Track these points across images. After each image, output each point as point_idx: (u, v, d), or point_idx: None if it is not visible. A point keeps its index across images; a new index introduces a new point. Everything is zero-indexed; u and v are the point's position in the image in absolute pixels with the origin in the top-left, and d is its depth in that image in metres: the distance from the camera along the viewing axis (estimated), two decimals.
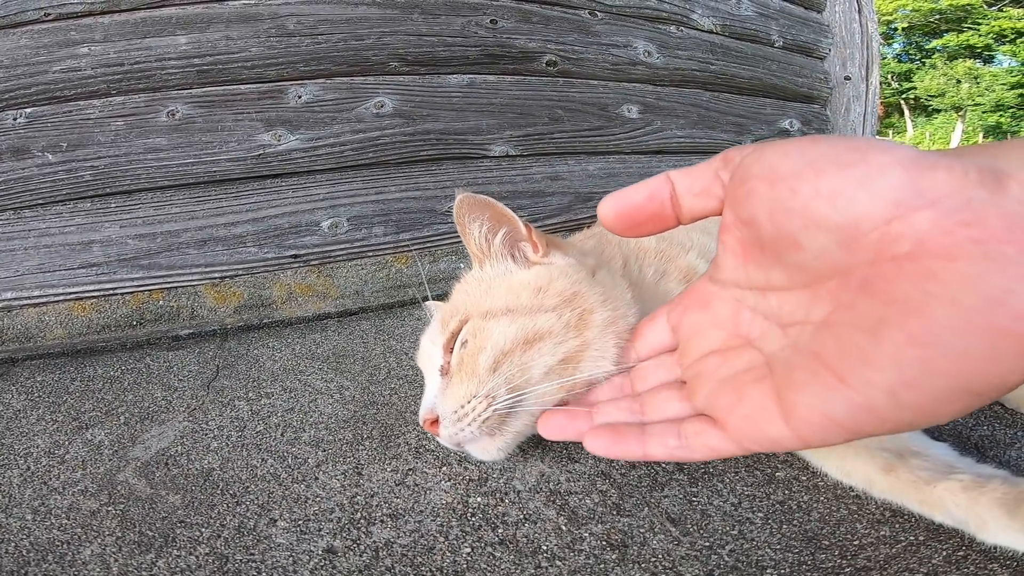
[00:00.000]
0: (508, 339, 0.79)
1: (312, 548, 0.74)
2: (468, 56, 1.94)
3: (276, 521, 0.80)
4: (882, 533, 0.69)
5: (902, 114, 28.55)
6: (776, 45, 2.65)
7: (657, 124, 2.27)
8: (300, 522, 0.79)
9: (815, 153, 0.41)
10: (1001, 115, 25.14)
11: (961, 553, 0.65)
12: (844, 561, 0.65)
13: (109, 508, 0.85)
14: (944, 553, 0.65)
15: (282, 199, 1.77)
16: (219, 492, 0.88)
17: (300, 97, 1.77)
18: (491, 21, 1.96)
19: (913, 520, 0.70)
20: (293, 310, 1.77)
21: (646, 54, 2.25)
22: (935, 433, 0.81)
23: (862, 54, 2.87)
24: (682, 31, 2.37)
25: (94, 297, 1.66)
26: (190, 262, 1.70)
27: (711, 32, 2.46)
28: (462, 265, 1.93)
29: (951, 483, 0.66)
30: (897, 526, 0.70)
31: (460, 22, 1.93)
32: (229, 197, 1.73)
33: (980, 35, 24.33)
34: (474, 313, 0.83)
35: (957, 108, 26.09)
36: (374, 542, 0.74)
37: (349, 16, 1.81)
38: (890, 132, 27.14)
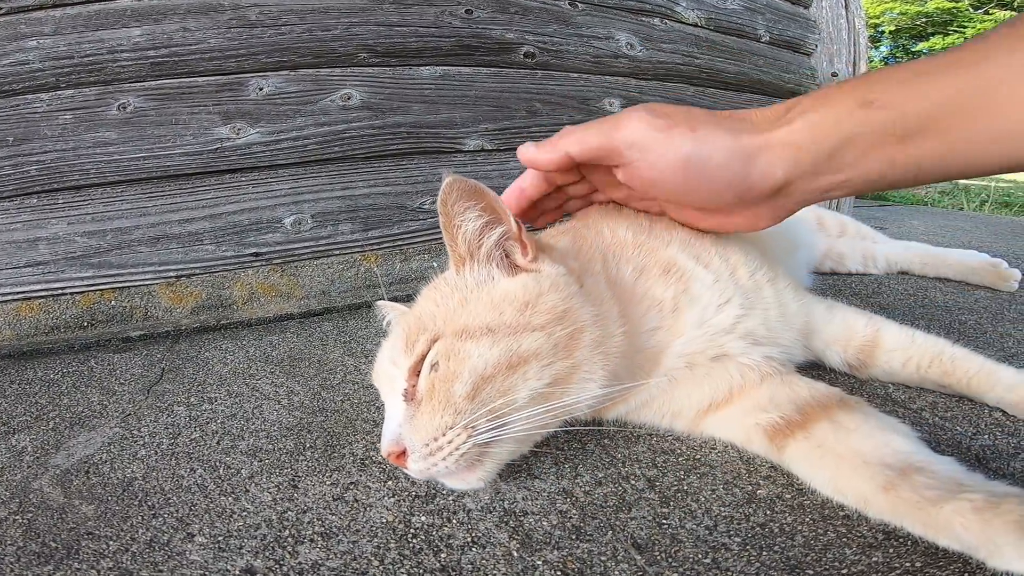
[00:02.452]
0: (489, 364, 0.70)
1: (228, 567, 0.65)
2: (441, 47, 1.86)
3: (193, 536, 0.71)
4: (874, 559, 0.60)
5: None
6: (762, 40, 2.59)
7: None
8: (220, 538, 0.71)
9: None
10: None
11: None
12: None
13: (16, 517, 0.78)
14: None
15: (241, 195, 1.68)
16: (136, 503, 0.79)
17: (262, 89, 1.68)
18: (466, 11, 1.88)
19: (909, 544, 0.62)
20: (255, 311, 1.68)
21: (629, 47, 2.18)
22: (934, 444, 0.73)
23: (849, 50, 2.82)
24: (666, 24, 2.29)
25: (41, 297, 1.57)
26: (143, 260, 1.61)
27: (696, 25, 2.39)
28: (435, 264, 1.85)
29: (960, 503, 0.58)
30: (891, 551, 0.62)
31: (433, 12, 1.84)
32: (184, 193, 1.64)
33: (966, 38, 24.54)
34: (447, 330, 0.74)
35: None
36: (299, 563, 0.65)
37: (315, 6, 1.73)
38: None
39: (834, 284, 1.68)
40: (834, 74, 2.75)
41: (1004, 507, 0.56)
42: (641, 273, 0.89)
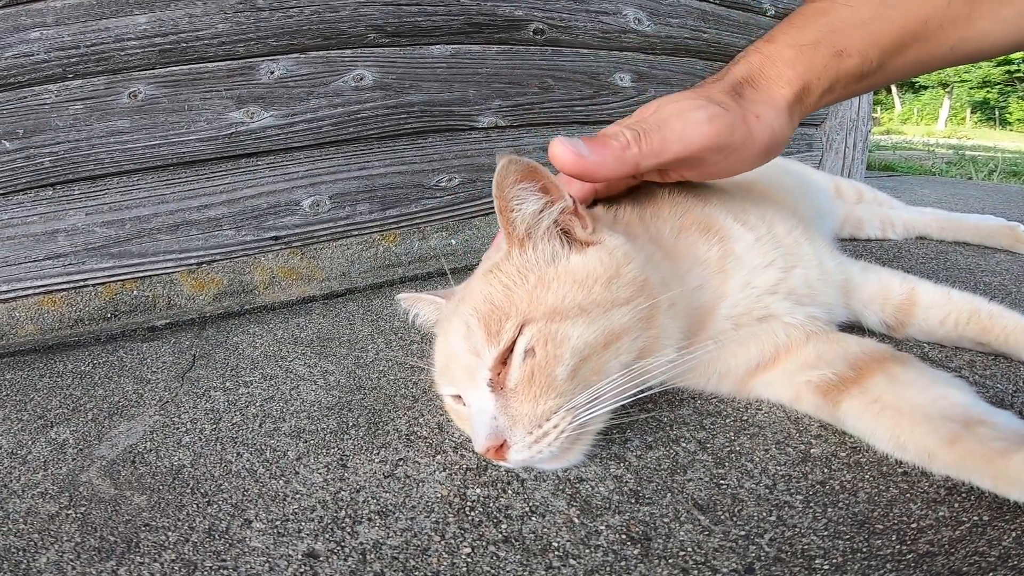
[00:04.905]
0: (588, 344, 0.69)
1: (291, 552, 0.65)
2: (451, 26, 1.84)
3: (251, 522, 0.71)
4: (941, 514, 0.61)
5: (889, 91, 28.56)
6: (768, 14, 2.57)
7: (651, 93, 2.18)
8: (278, 523, 0.71)
9: None
10: (988, 91, 25.25)
11: None
12: (904, 547, 0.57)
13: (69, 511, 0.77)
14: (1014, 534, 0.57)
15: (258, 179, 1.67)
16: (189, 491, 0.79)
17: (273, 73, 1.67)
18: None
19: (973, 498, 0.62)
20: (277, 295, 1.68)
21: (636, 21, 2.16)
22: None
23: None
24: None
25: (63, 290, 1.57)
26: (163, 248, 1.61)
27: (702, 0, 2.36)
28: (453, 241, 1.84)
29: None
30: (956, 505, 0.62)
31: None
32: (201, 179, 1.63)
33: None
34: (535, 314, 0.71)
35: (944, 84, 26.14)
36: (360, 544, 0.65)
37: None
38: (878, 108, 27.13)
39: (855, 249, 1.67)
40: None
41: None
42: (680, 231, 0.88)
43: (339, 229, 1.76)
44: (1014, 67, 24.22)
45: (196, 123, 1.61)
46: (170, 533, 0.71)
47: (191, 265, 1.64)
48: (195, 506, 0.76)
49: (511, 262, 0.77)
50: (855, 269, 1.02)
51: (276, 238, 1.69)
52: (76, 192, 1.57)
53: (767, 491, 0.67)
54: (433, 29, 1.82)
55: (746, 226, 0.90)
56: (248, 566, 0.64)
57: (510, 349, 0.71)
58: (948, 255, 1.60)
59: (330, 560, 0.63)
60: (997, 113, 25.02)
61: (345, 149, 1.75)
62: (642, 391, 0.74)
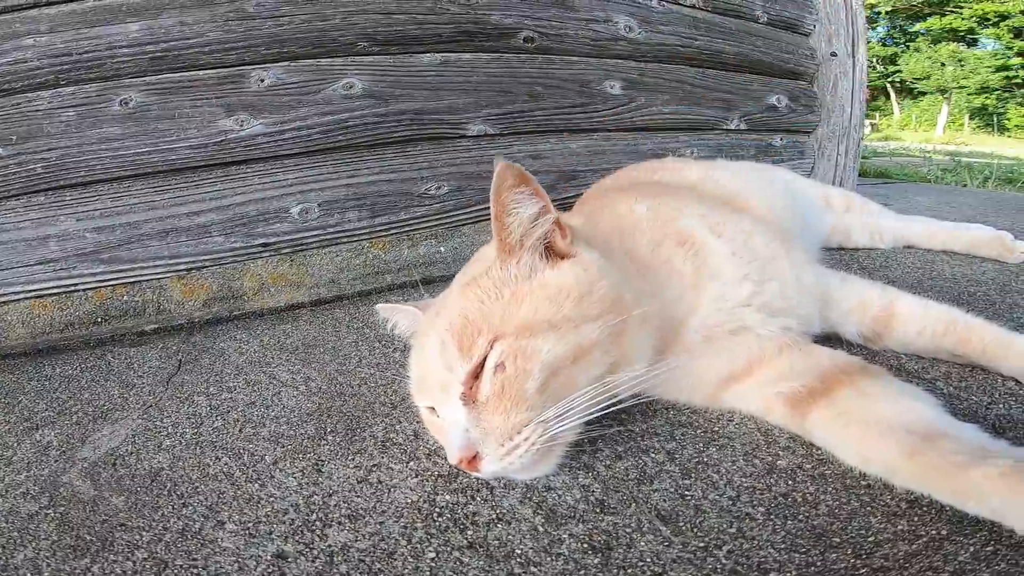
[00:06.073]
0: (557, 358, 0.71)
1: (260, 553, 0.66)
2: (441, 34, 1.85)
3: (224, 523, 0.73)
4: (900, 527, 0.61)
5: (888, 97, 28.58)
6: (761, 21, 2.58)
7: (641, 100, 2.20)
8: (250, 524, 0.72)
9: None
10: (987, 97, 25.26)
11: (990, 548, 0.57)
12: (858, 561, 0.57)
13: (49, 511, 0.79)
14: (971, 549, 0.58)
15: (248, 186, 1.69)
16: (166, 493, 0.81)
17: (263, 81, 1.68)
18: None
19: (934, 512, 0.63)
20: (266, 301, 1.69)
21: (627, 29, 2.17)
22: (951, 414, 0.74)
23: (847, 31, 2.80)
24: (664, 6, 2.28)
25: (54, 294, 1.58)
26: (153, 254, 1.62)
27: (694, 7, 2.37)
28: (442, 249, 1.85)
29: (987, 469, 0.58)
30: (916, 519, 0.62)
31: None
32: (190, 186, 1.65)
33: (963, 18, 24.37)
34: (506, 329, 0.72)
35: (942, 90, 26.15)
36: (329, 546, 0.67)
37: None
38: (877, 115, 27.16)
39: (842, 259, 1.68)
40: (833, 54, 2.74)
41: None
42: (657, 244, 0.89)
43: (328, 236, 1.77)
44: (1012, 73, 24.19)
45: (186, 130, 1.62)
46: (144, 533, 0.72)
47: (181, 271, 1.65)
48: (170, 507, 0.77)
49: (489, 276, 0.78)
50: (835, 281, 1.02)
51: (265, 245, 1.70)
52: (67, 198, 1.58)
53: (730, 503, 0.68)
54: (423, 37, 1.83)
55: (723, 238, 0.91)
56: (218, 565, 0.65)
57: (482, 364, 0.72)
58: (935, 264, 1.61)
59: (298, 561, 0.64)
60: (995, 119, 24.97)
61: (334, 157, 1.77)
62: (614, 404, 0.75)
